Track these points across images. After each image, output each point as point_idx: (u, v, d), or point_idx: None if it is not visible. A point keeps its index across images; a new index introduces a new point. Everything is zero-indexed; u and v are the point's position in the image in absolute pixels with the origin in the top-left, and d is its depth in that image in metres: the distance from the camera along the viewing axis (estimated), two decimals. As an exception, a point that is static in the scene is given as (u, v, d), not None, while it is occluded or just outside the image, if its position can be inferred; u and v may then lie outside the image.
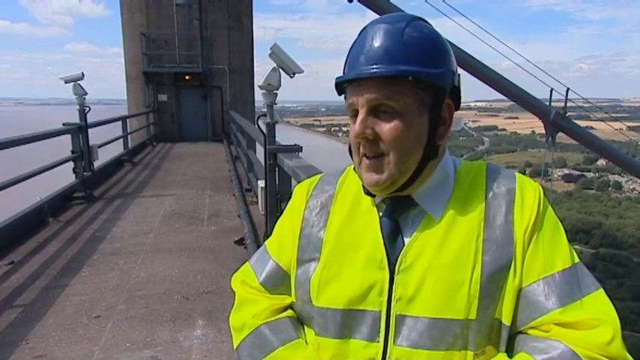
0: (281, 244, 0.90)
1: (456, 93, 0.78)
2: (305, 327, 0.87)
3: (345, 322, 0.78)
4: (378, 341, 0.75)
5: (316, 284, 0.81)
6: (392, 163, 0.74)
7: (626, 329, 24.88)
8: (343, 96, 0.80)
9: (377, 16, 0.81)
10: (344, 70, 0.79)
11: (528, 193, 0.76)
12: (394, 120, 0.72)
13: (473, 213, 0.76)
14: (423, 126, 0.74)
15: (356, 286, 0.77)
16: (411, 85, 0.72)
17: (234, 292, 0.95)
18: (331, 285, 0.79)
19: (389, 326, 0.75)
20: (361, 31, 0.78)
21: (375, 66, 0.72)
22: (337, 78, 0.77)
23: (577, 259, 0.75)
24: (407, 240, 0.77)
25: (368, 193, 0.81)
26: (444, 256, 0.74)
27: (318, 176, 0.94)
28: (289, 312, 0.88)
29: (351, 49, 0.78)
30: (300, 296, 0.85)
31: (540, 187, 0.78)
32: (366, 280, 0.77)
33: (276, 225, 0.96)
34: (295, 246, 0.86)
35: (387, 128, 0.73)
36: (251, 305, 0.89)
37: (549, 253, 0.73)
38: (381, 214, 0.81)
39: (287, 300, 0.89)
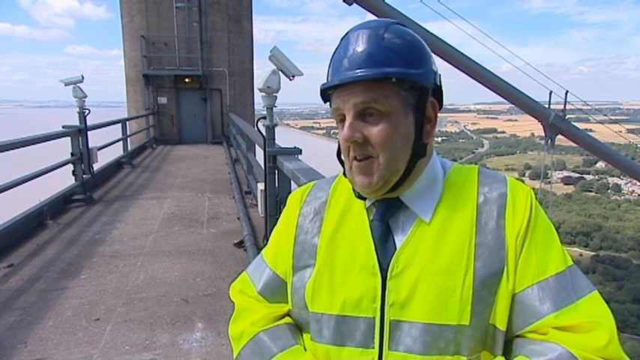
0: (277, 252, 0.91)
1: (438, 92, 0.80)
2: (303, 333, 0.87)
3: (340, 329, 0.78)
4: (373, 347, 0.76)
5: (310, 290, 0.81)
6: (382, 165, 0.74)
7: (626, 332, 24.88)
8: (329, 103, 0.80)
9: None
10: (327, 76, 0.79)
11: (520, 197, 0.76)
12: (381, 122, 0.73)
13: (464, 218, 0.76)
14: (410, 126, 0.75)
15: (349, 292, 0.77)
16: (395, 86, 0.73)
17: (233, 302, 0.95)
18: (325, 290, 0.80)
19: (383, 332, 0.75)
20: (343, 37, 0.79)
21: (358, 70, 0.73)
22: (322, 85, 0.78)
23: (570, 262, 0.75)
24: (398, 243, 0.77)
25: (359, 196, 0.81)
26: (435, 262, 0.74)
27: (311, 183, 0.94)
28: (287, 319, 0.89)
29: (333, 55, 0.79)
30: (296, 303, 0.85)
31: (532, 192, 0.78)
32: (359, 287, 0.77)
33: (272, 233, 0.96)
34: (290, 253, 0.86)
35: (375, 131, 0.73)
36: (249, 314, 0.90)
37: (542, 258, 0.73)
38: (371, 217, 0.81)
39: (285, 307, 0.89)
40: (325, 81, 0.79)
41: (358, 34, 0.76)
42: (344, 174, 0.83)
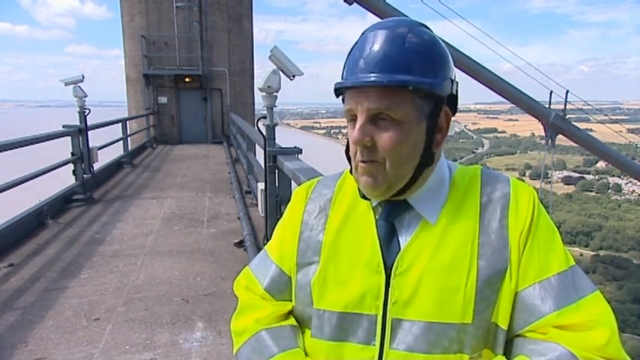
0: (282, 248, 0.90)
1: (453, 100, 0.78)
2: (305, 330, 0.87)
3: (342, 325, 0.78)
4: (374, 345, 0.76)
5: (315, 287, 0.81)
6: (388, 170, 0.74)
7: (626, 332, 24.87)
8: (341, 98, 0.79)
9: (377, 19, 0.81)
10: (343, 73, 0.78)
11: (523, 197, 0.77)
12: (393, 129, 0.72)
13: (468, 218, 0.76)
14: (421, 134, 0.74)
15: (353, 289, 0.77)
16: (411, 94, 0.72)
17: (237, 298, 0.95)
18: (329, 288, 0.80)
19: (385, 330, 0.75)
20: (362, 34, 0.77)
21: (375, 74, 0.71)
22: (336, 83, 0.77)
23: (572, 262, 0.75)
24: (403, 244, 0.77)
25: (364, 197, 0.81)
26: (439, 261, 0.74)
27: (316, 179, 0.94)
28: (291, 320, 0.89)
29: (350, 52, 0.77)
30: (300, 299, 0.85)
31: (535, 192, 0.78)
32: (363, 284, 0.77)
33: (276, 229, 0.96)
34: (295, 250, 0.86)
35: (385, 137, 0.72)
36: (253, 311, 0.89)
37: (544, 257, 0.74)
38: (377, 216, 0.81)
39: (289, 305, 0.89)
40: (341, 77, 0.78)
41: (379, 33, 0.74)
42: (350, 172, 0.82)
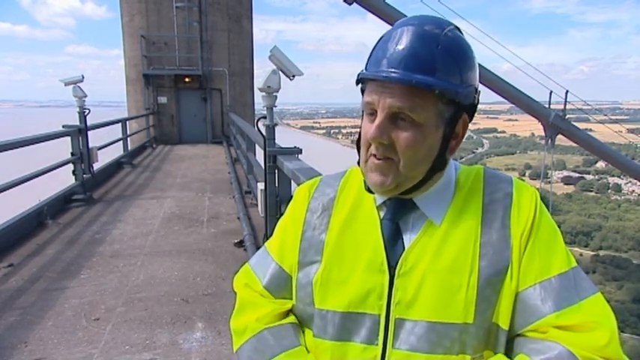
0: (283, 246, 0.90)
1: (472, 108, 0.77)
2: (305, 329, 0.87)
3: (345, 325, 0.78)
4: (377, 344, 0.76)
5: (317, 286, 0.81)
6: (399, 169, 0.74)
7: (626, 332, 24.87)
8: (360, 86, 0.78)
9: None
10: (367, 62, 0.76)
11: (525, 197, 0.77)
12: (411, 130, 0.71)
13: (471, 218, 0.76)
14: (437, 139, 0.74)
15: (356, 288, 0.77)
16: (435, 98, 0.71)
17: (235, 295, 0.95)
18: (332, 287, 0.80)
19: (388, 329, 0.75)
20: (395, 26, 0.75)
21: (402, 72, 0.69)
22: (361, 73, 0.75)
23: (574, 263, 0.75)
24: (407, 243, 0.77)
25: (369, 190, 0.81)
26: (442, 261, 0.74)
27: (319, 178, 0.94)
28: (292, 318, 0.88)
29: (380, 42, 0.75)
30: (301, 299, 0.85)
31: (537, 192, 0.78)
32: (366, 283, 0.77)
33: (277, 227, 0.96)
34: (297, 249, 0.86)
35: (402, 137, 0.72)
36: (253, 309, 0.89)
37: (545, 258, 0.74)
38: (382, 215, 0.81)
39: (288, 304, 0.89)
40: (365, 67, 0.76)
41: (413, 28, 0.72)
42: (358, 163, 0.81)
